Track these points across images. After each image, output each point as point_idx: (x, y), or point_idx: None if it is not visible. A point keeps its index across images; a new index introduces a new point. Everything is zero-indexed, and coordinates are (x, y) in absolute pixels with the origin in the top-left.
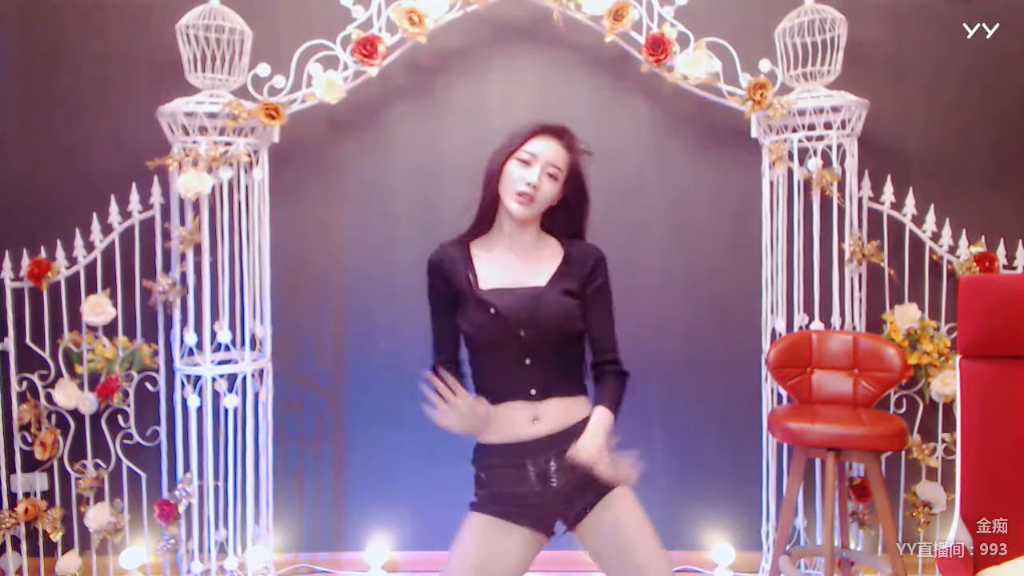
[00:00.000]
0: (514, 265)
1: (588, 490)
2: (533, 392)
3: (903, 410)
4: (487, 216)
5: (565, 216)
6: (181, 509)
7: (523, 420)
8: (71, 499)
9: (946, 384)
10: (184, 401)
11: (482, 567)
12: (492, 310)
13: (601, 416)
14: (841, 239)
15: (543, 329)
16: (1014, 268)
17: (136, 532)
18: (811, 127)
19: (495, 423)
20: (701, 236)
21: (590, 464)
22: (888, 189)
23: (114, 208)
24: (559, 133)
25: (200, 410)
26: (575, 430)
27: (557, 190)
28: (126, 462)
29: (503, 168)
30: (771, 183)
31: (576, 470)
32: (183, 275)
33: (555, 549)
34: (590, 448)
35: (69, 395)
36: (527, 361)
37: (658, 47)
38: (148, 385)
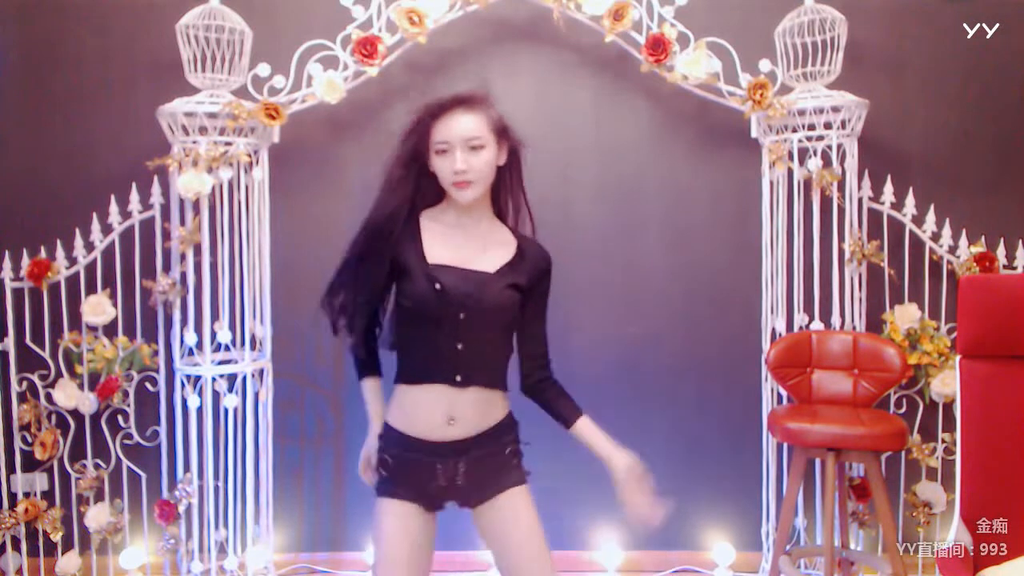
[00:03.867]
0: (463, 245)
1: (488, 485)
2: (458, 378)
3: (903, 410)
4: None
5: (504, 184)
6: (181, 509)
7: (439, 420)
8: (71, 499)
9: (946, 384)
10: (184, 401)
11: (410, 551)
12: (437, 285)
13: (605, 442)
14: (841, 239)
15: (483, 315)
16: (1014, 268)
17: (136, 532)
18: (811, 127)
19: (411, 409)
20: (701, 236)
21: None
22: (888, 189)
23: (114, 208)
24: (463, 102)
25: (200, 410)
26: (489, 434)
27: (493, 156)
28: (126, 462)
29: (430, 160)
30: (771, 183)
31: (484, 468)
32: (183, 275)
33: None
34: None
35: (69, 395)
36: (459, 345)
37: (658, 47)
38: (148, 385)
